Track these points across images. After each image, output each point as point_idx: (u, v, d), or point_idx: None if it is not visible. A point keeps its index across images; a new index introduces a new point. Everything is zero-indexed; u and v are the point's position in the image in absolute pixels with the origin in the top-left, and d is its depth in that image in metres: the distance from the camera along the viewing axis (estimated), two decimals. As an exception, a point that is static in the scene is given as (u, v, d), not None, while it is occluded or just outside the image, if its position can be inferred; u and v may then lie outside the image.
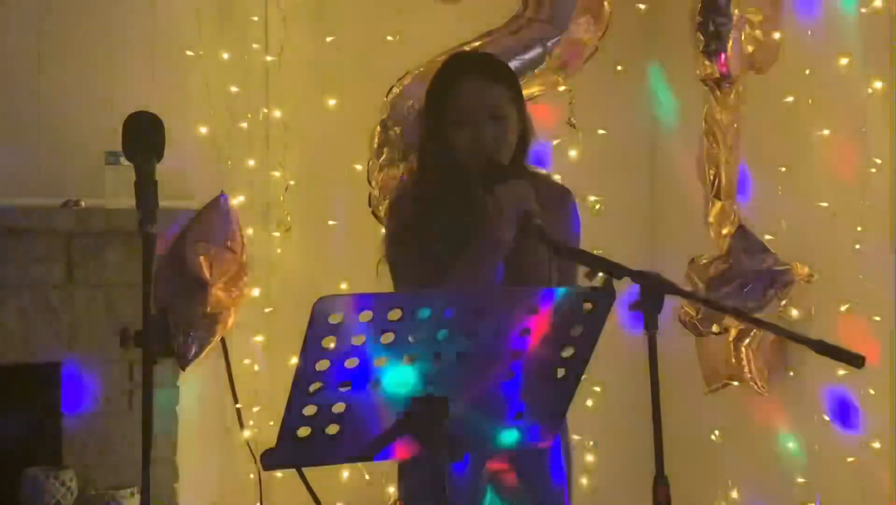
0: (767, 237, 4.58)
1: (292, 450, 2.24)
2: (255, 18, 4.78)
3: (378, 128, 4.32)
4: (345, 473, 4.66)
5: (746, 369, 4.64)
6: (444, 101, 2.94)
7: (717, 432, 4.92)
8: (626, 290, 2.37)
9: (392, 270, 2.98)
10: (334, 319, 2.13)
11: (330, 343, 2.16)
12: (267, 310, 4.76)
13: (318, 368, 2.18)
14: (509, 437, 2.45)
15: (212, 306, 4.37)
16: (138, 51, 4.57)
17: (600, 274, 2.44)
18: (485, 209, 2.82)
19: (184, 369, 4.40)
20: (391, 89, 4.33)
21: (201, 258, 4.33)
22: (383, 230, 3.14)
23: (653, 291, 2.37)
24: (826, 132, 4.59)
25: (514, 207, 2.77)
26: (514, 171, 2.89)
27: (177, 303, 4.35)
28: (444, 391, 2.29)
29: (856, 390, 4.46)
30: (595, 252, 2.55)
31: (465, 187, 2.91)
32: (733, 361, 4.64)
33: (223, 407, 4.69)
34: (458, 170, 2.92)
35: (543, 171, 3.14)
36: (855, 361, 2.30)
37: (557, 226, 2.89)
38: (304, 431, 2.23)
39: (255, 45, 4.79)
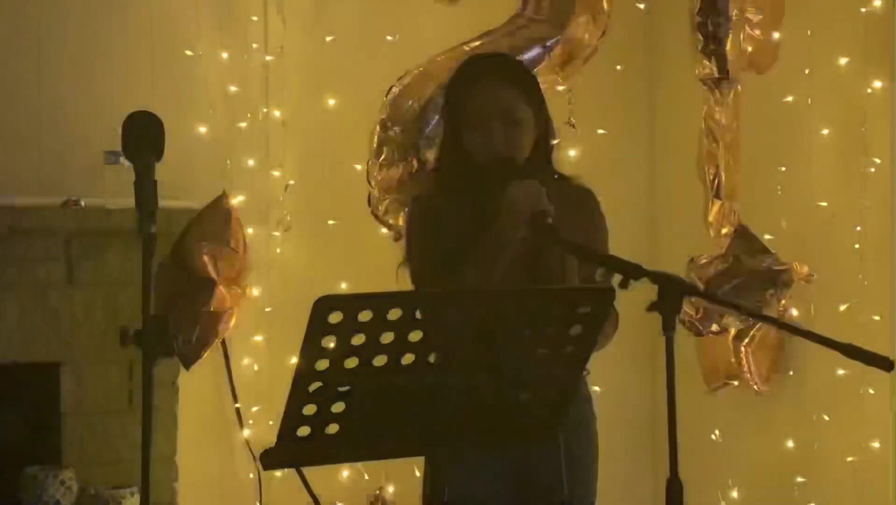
0: (767, 237, 4.58)
1: (292, 450, 2.24)
2: (255, 18, 4.78)
3: (378, 128, 4.32)
4: (345, 472, 4.66)
5: (746, 369, 4.64)
6: (459, 103, 2.95)
7: (717, 432, 4.91)
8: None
9: (410, 272, 2.98)
10: (334, 318, 2.14)
11: (330, 343, 2.16)
12: (267, 310, 4.75)
13: (318, 368, 2.18)
14: (510, 435, 2.45)
15: (215, 305, 4.37)
16: (138, 51, 4.56)
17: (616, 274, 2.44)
18: (497, 208, 2.80)
19: (188, 369, 4.40)
20: (391, 89, 4.33)
21: (205, 257, 4.33)
22: (402, 229, 3.12)
23: (671, 292, 2.36)
24: (826, 132, 4.59)
25: (525, 206, 2.75)
26: (529, 171, 2.88)
27: (179, 302, 4.35)
28: (444, 390, 2.29)
29: (855, 390, 4.46)
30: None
31: (479, 187, 2.91)
32: (733, 360, 4.64)
33: (223, 407, 4.69)
34: (472, 170, 2.92)
35: (567, 173, 3.11)
36: (883, 364, 2.29)
37: (576, 226, 2.88)
38: (303, 431, 2.23)
39: (254, 45, 4.78)
